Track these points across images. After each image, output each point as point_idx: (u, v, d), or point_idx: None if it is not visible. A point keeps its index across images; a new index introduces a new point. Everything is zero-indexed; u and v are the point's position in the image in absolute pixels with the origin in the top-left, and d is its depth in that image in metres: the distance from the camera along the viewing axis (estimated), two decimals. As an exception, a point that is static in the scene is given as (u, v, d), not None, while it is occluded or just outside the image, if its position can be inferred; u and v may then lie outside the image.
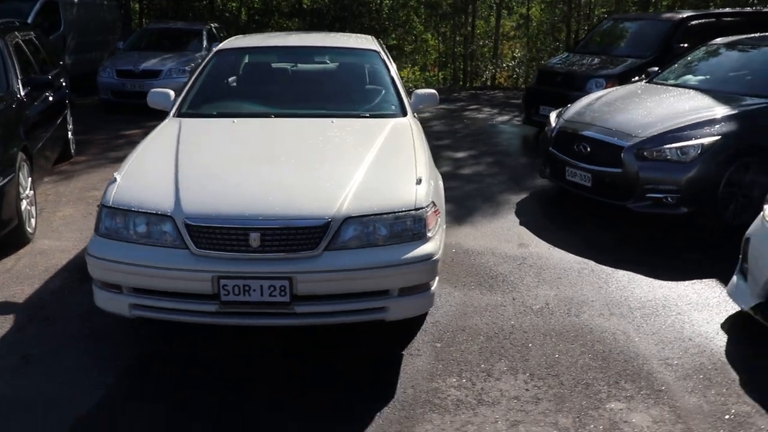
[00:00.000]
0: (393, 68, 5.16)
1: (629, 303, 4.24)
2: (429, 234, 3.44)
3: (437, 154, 8.09)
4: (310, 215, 3.29)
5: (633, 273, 4.65)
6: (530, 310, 4.13)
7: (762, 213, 3.92)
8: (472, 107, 12.03)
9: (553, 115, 6.35)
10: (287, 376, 3.47)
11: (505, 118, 10.74)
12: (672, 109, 5.64)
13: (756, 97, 5.69)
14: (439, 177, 4.22)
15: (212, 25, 13.99)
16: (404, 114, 4.68)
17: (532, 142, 8.74)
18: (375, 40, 5.73)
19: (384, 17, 20.62)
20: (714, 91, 6.01)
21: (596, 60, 9.06)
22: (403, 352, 3.67)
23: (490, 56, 17.83)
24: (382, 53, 5.30)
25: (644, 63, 8.21)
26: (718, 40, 7.11)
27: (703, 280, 4.55)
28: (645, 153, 5.25)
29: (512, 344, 3.75)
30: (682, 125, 5.31)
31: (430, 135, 9.14)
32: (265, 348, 3.73)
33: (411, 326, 3.88)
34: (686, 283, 4.52)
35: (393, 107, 4.76)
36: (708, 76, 6.47)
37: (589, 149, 5.59)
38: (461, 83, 18.51)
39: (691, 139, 5.17)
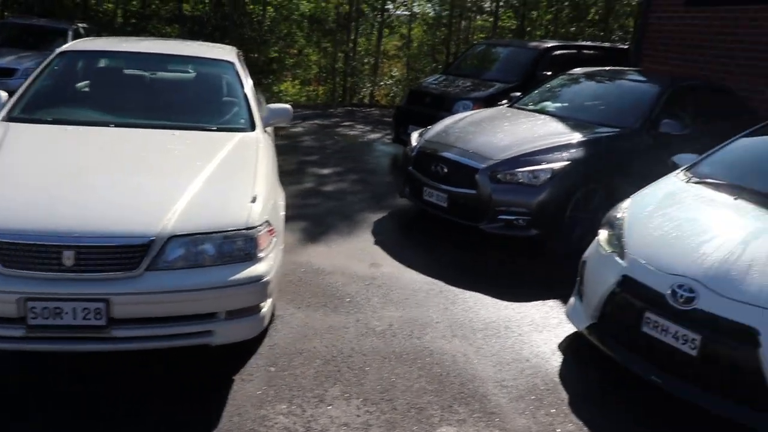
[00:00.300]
0: (247, 81, 5.03)
1: (473, 324, 4.30)
2: (261, 254, 3.33)
3: (302, 170, 8.03)
4: (130, 233, 3.10)
5: (481, 294, 4.73)
6: (372, 332, 4.09)
7: (597, 238, 4.10)
8: (346, 124, 12.07)
9: (414, 135, 6.42)
10: (89, 405, 3.22)
11: (377, 136, 10.83)
12: (527, 134, 5.86)
13: (606, 127, 6.01)
14: (282, 195, 4.13)
15: (81, 24, 13.25)
16: (253, 128, 4.55)
17: (399, 161, 8.83)
18: (234, 52, 5.57)
19: (265, 29, 20.38)
20: (569, 118, 6.32)
21: (466, 83, 9.30)
22: (234, 377, 3.52)
23: (369, 74, 18.04)
24: (238, 65, 5.15)
25: (510, 88, 8.51)
26: (576, 70, 7.50)
27: (547, 301, 4.70)
28: (498, 175, 5.40)
29: (349, 368, 3.69)
30: (535, 150, 5.52)
31: (299, 150, 9.20)
32: (64, 371, 3.45)
33: (247, 349, 3.74)
34: (530, 304, 4.65)
35: (242, 121, 4.63)
36: (564, 104, 6.81)
37: (446, 170, 5.69)
38: (340, 99, 18.59)
39: (542, 164, 5.38)
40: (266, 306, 3.43)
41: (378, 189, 7.29)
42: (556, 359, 3.96)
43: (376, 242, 5.63)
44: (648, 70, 9.76)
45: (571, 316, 4.12)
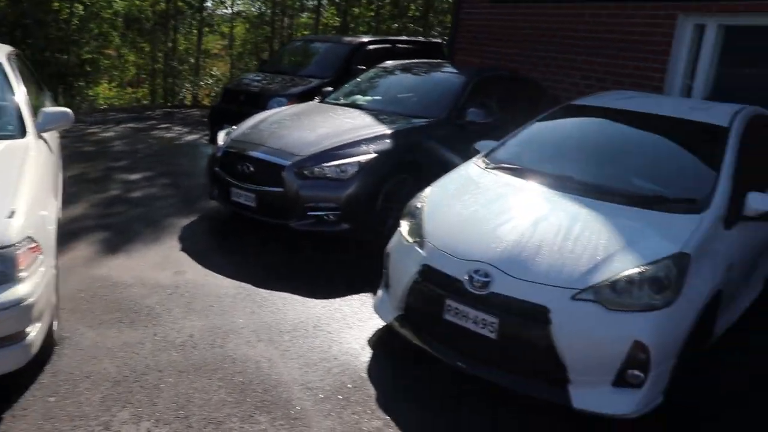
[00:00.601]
0: (19, 83, 4.52)
1: (280, 326, 4.13)
2: (21, 275, 2.94)
3: (109, 177, 7.45)
4: None
5: (291, 294, 4.57)
6: (171, 346, 3.80)
7: (399, 229, 4.08)
8: (163, 126, 11.42)
9: (221, 135, 6.13)
10: None
11: (195, 137, 10.34)
12: (335, 128, 5.77)
13: (416, 118, 6.08)
14: (55, 207, 3.71)
15: None
16: (23, 135, 4.09)
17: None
18: (5, 51, 4.98)
19: (74, 28, 18.89)
20: (379, 110, 6.32)
21: (282, 79, 9.11)
22: (4, 416, 3.09)
23: (190, 74, 17.28)
24: (6, 66, 4.62)
25: (325, 83, 8.42)
26: (387, 63, 7.56)
27: (359, 296, 4.64)
28: (305, 171, 5.26)
29: (142, 387, 3.38)
30: (342, 143, 5.45)
31: (108, 156, 8.54)
32: None
33: (20, 381, 3.31)
34: (342, 300, 4.57)
35: (9, 127, 4.14)
36: (375, 97, 6.82)
37: (252, 169, 5.46)
38: (162, 101, 17.68)
39: (349, 157, 5.31)
40: (34, 332, 3.05)
41: (190, 192, 6.90)
42: (366, 355, 3.89)
43: (183, 248, 5.29)
44: (461, 62, 10.13)
45: (378, 309, 4.07)
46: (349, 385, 3.56)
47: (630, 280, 3.20)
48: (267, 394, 3.42)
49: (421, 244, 3.78)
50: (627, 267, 3.24)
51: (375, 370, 3.75)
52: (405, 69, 7.31)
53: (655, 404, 3.25)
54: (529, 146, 4.70)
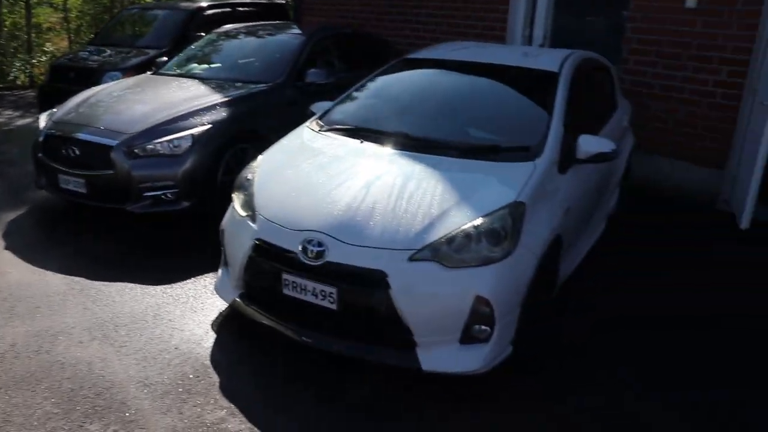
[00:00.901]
0: None
1: (117, 321, 3.81)
2: None
3: None
4: None
5: (129, 284, 4.24)
6: (-13, 359, 3.40)
7: (231, 203, 3.83)
8: (-8, 111, 10.37)
9: (42, 117, 5.57)
10: None
11: (28, 121, 9.45)
12: (166, 101, 5.38)
13: (254, 83, 5.77)
14: None
15: None
16: None
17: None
18: None
19: None
20: (216, 78, 5.97)
21: (116, 52, 8.44)
22: None
23: (21, 52, 15.65)
24: None
25: (162, 53, 7.89)
26: (225, 28, 7.16)
27: (203, 277, 4.39)
28: (136, 150, 4.88)
29: (-52, 412, 2.99)
30: (174, 117, 5.09)
31: None
32: None
33: None
34: (185, 284, 4.29)
35: None
36: (212, 65, 6.44)
37: (78, 152, 5.00)
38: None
39: (182, 131, 4.97)
40: None
41: (17, 183, 6.24)
42: (209, 340, 3.66)
43: (7, 246, 4.76)
44: (306, 23, 9.81)
45: (219, 290, 3.83)
46: (191, 376, 3.33)
47: (466, 235, 3.15)
48: (99, 398, 3.13)
49: (253, 218, 3.56)
50: (463, 222, 3.18)
51: (219, 355, 3.54)
52: (243, 33, 6.94)
53: (504, 356, 3.25)
54: (364, 104, 4.56)
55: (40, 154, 5.27)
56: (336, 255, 3.20)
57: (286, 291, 3.35)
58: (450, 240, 3.13)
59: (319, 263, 3.22)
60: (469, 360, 3.15)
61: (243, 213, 3.65)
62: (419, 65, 4.78)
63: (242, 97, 5.49)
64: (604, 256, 4.74)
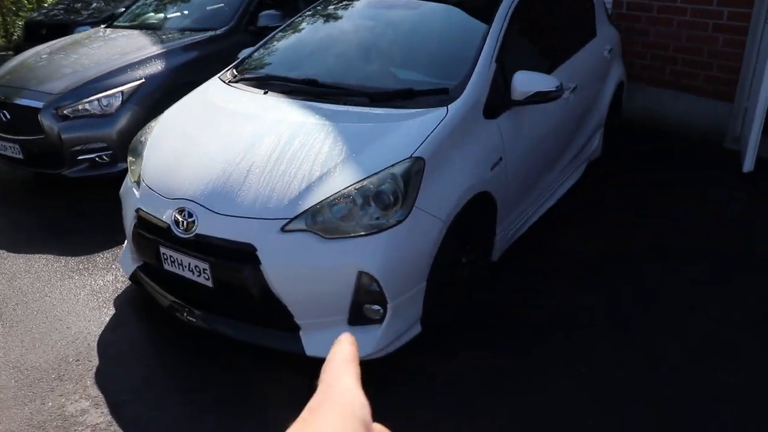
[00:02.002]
0: None
1: (13, 299, 3.48)
2: None
3: None
4: None
5: (35, 256, 3.90)
6: None
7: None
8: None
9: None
10: None
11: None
12: (100, 57, 4.94)
13: (202, 31, 5.27)
14: None
15: None
16: None
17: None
18: None
19: None
20: (163, 29, 5.49)
21: (93, 5, 7.97)
22: None
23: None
24: None
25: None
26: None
27: (115, 248, 3.96)
28: (65, 111, 4.49)
29: None
30: (104, 73, 4.67)
31: None
32: None
33: None
34: (92, 257, 3.91)
35: None
36: (164, 15, 5.90)
37: (9, 116, 4.64)
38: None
39: (112, 88, 4.54)
40: None
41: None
42: (105, 320, 3.30)
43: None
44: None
45: (122, 262, 3.45)
46: (70, 359, 3.00)
47: (347, 199, 2.63)
48: (-40, 392, 2.81)
49: (138, 185, 3.12)
50: (344, 184, 2.66)
51: (109, 336, 3.18)
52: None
53: (410, 336, 2.78)
54: (283, 48, 3.99)
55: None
56: (206, 226, 2.75)
57: (166, 266, 2.94)
58: (328, 206, 2.63)
59: (190, 236, 2.78)
60: (360, 345, 2.67)
61: (131, 180, 3.23)
62: (348, 3, 4.15)
63: (181, 48, 4.99)
64: (582, 206, 4.15)
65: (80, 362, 2.97)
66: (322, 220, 2.62)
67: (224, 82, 3.70)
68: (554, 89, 3.22)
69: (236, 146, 2.99)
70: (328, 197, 2.63)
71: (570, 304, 3.29)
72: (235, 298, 2.80)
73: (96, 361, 2.98)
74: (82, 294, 3.51)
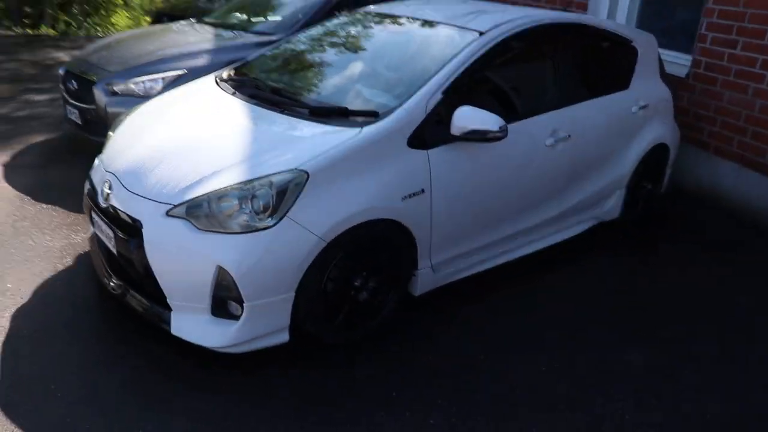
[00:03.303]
0: None
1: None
2: None
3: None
4: None
5: (57, 210, 4.39)
6: None
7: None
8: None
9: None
10: None
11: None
12: (166, 45, 5.47)
13: (261, 35, 5.65)
14: None
15: None
16: None
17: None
18: None
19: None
20: (236, 27, 5.95)
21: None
22: None
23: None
24: None
25: None
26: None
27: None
28: (114, 88, 5.03)
29: None
30: (157, 59, 5.17)
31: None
32: None
33: None
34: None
35: None
36: (246, 16, 6.35)
37: (76, 86, 5.28)
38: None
39: (157, 73, 5.02)
40: None
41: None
42: (59, 267, 3.67)
43: None
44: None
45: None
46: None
47: (221, 196, 2.78)
48: None
49: (101, 156, 3.49)
50: (228, 183, 2.81)
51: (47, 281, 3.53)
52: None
53: (273, 341, 2.90)
54: (278, 58, 4.19)
55: (60, 85, 5.66)
56: (116, 198, 3.03)
57: (95, 229, 3.26)
58: (206, 200, 2.79)
59: (106, 205, 3.08)
60: (215, 335, 2.83)
61: (102, 153, 3.59)
62: (366, 18, 4.26)
63: (233, 47, 5.38)
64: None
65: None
66: (198, 212, 2.77)
67: (216, 79, 3.99)
68: (495, 129, 3.13)
69: (170, 134, 3.26)
70: (208, 192, 2.79)
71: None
72: (128, 269, 3.05)
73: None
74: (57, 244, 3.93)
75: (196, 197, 2.80)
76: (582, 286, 3.88)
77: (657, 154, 4.71)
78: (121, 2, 15.60)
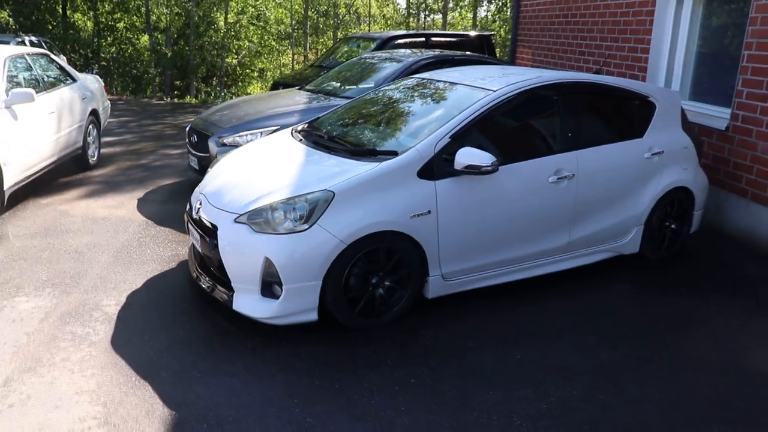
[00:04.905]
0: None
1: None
2: None
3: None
4: None
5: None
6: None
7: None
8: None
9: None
10: None
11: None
12: (267, 107, 6.87)
13: (345, 99, 6.91)
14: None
15: (29, 37, 14.22)
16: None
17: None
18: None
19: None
20: (330, 94, 7.26)
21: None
22: None
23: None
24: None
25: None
26: (365, 55, 8.41)
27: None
28: (224, 141, 6.44)
29: None
30: (258, 117, 6.56)
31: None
32: None
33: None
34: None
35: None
36: (337, 83, 7.69)
37: (196, 139, 6.78)
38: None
39: (257, 129, 6.39)
40: None
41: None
42: (166, 268, 4.96)
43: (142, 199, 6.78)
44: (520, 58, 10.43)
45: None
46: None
47: (271, 208, 3.92)
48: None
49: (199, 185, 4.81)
50: (277, 199, 3.96)
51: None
52: (387, 59, 8.07)
53: (303, 319, 3.94)
54: (339, 113, 5.40)
55: (186, 140, 7.22)
56: (204, 211, 4.28)
57: (190, 237, 4.53)
58: (260, 210, 3.95)
59: (197, 216, 4.33)
60: (262, 309, 3.93)
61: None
62: (410, 83, 5.39)
63: (319, 108, 6.67)
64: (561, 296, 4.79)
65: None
66: (254, 218, 3.92)
67: (292, 131, 5.23)
68: (487, 164, 4.07)
69: (246, 169, 4.51)
70: (263, 205, 3.95)
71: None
72: (211, 263, 4.25)
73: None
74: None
75: (254, 208, 3.97)
76: (586, 303, 4.64)
77: (679, 196, 5.38)
78: (256, 75, 18.08)
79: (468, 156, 4.12)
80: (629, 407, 3.45)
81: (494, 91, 4.57)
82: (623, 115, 5.22)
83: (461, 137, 4.28)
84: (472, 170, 4.11)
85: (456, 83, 4.97)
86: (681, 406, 3.47)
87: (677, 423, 3.33)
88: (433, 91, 5.06)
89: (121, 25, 22.32)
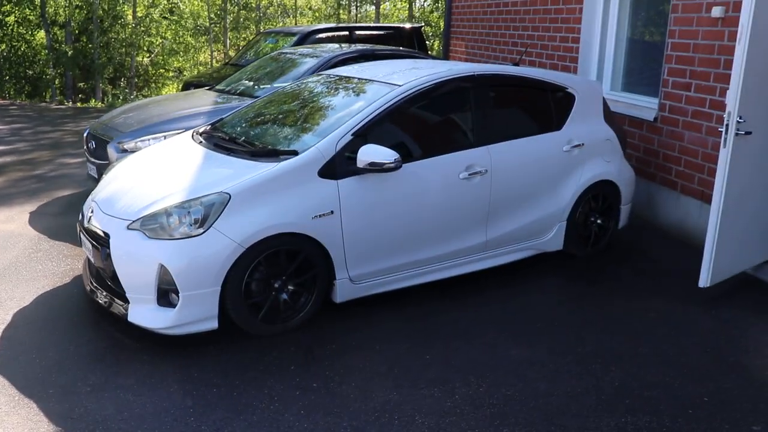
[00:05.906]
0: None
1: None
2: None
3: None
4: None
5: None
6: None
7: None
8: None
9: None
10: None
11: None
12: (172, 109, 7.18)
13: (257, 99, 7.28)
14: None
15: None
16: None
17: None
18: None
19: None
20: (236, 94, 7.64)
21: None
22: None
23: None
24: None
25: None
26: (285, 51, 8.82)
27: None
28: (124, 146, 6.71)
29: None
30: (161, 121, 6.86)
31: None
32: None
33: None
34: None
35: None
36: (249, 83, 8.05)
37: (94, 145, 7.04)
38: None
39: (159, 132, 6.69)
40: None
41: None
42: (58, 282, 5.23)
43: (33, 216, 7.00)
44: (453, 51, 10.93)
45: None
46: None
47: (166, 213, 4.24)
48: None
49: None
50: (171, 203, 4.28)
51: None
52: (304, 55, 8.47)
53: (205, 327, 4.25)
54: (244, 113, 5.78)
55: (84, 146, 7.46)
56: (95, 219, 4.57)
57: (83, 247, 4.82)
58: (154, 215, 4.26)
59: (88, 225, 4.63)
60: (158, 319, 4.23)
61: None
62: (318, 80, 5.79)
63: (228, 109, 6.99)
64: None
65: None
66: (147, 224, 4.22)
67: (192, 134, 5.55)
68: (390, 161, 4.47)
69: (141, 174, 4.83)
70: (157, 210, 4.27)
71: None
72: (104, 273, 4.53)
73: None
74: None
75: (147, 214, 4.29)
76: (506, 302, 5.08)
77: (604, 190, 5.89)
78: (171, 75, 18.31)
79: (370, 153, 4.51)
80: (536, 401, 3.88)
81: (400, 86, 4.99)
82: (540, 108, 5.71)
83: (365, 134, 4.68)
84: (375, 168, 4.50)
85: (364, 79, 5.38)
86: (586, 397, 3.92)
87: (581, 414, 3.77)
88: (340, 87, 5.47)
89: (11, 18, 22.27)
